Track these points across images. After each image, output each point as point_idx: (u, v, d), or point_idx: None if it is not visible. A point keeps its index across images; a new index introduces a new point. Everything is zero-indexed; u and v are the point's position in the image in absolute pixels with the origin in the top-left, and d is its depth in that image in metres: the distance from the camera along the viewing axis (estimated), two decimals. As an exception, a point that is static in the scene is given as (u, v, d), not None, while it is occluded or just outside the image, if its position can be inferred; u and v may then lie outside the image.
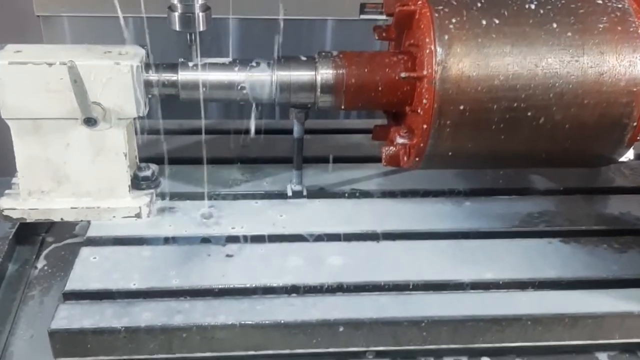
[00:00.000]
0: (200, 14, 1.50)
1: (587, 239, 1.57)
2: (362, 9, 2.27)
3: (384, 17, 1.62)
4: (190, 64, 1.54)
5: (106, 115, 1.50)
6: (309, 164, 1.79)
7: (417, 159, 1.50)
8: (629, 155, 1.56)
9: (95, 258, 1.47)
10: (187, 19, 1.50)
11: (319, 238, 1.56)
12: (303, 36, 2.28)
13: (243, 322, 1.31)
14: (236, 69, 1.54)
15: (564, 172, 1.79)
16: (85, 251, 1.49)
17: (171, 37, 1.53)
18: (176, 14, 1.50)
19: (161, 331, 1.29)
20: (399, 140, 1.51)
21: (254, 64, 1.54)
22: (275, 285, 1.40)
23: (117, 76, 1.46)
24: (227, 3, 2.01)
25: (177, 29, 1.52)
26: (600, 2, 1.47)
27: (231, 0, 1.78)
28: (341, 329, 1.33)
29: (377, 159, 1.63)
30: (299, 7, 2.20)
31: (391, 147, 1.57)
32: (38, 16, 2.15)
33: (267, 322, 1.31)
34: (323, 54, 1.54)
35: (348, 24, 2.29)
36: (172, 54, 1.56)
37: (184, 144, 1.93)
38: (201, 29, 1.52)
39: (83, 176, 1.57)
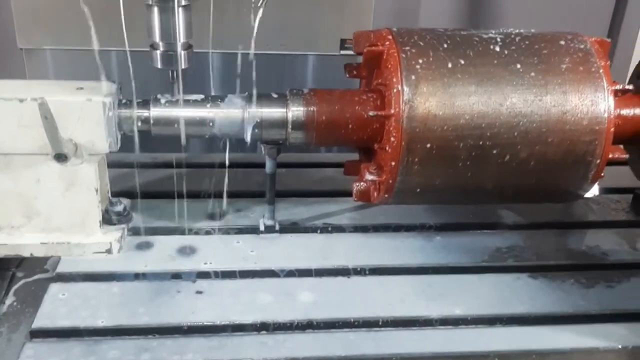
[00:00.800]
0: (182, 52, 1.52)
1: (555, 274, 1.59)
2: (343, 44, 2.31)
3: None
4: (163, 100, 1.55)
5: (77, 151, 1.50)
6: (282, 197, 1.80)
7: (386, 195, 1.52)
8: (595, 191, 1.60)
9: (64, 295, 1.46)
10: (169, 57, 1.52)
11: (291, 274, 1.56)
12: (285, 71, 2.31)
13: (211, 361, 1.30)
14: (208, 105, 1.55)
15: (533, 207, 1.82)
16: (54, 287, 1.48)
17: (154, 71, 1.55)
18: (158, 52, 1.52)
19: (128, 370, 1.28)
20: (368, 177, 1.53)
21: (225, 100, 1.56)
22: (245, 322, 1.39)
23: (88, 112, 1.47)
24: (209, 37, 2.04)
25: (159, 66, 1.53)
26: (563, 43, 1.51)
27: (211, 35, 1.79)
28: (310, 366, 1.33)
29: (350, 193, 1.65)
30: (281, 42, 2.24)
31: (362, 183, 1.59)
32: (21, 49, 2.16)
33: (234, 360, 1.31)
34: (294, 91, 1.57)
35: (329, 59, 2.33)
36: (156, 87, 1.57)
37: (157, 178, 1.93)
38: (183, 67, 1.53)
39: (54, 211, 1.57)
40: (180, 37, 1.50)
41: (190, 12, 1.50)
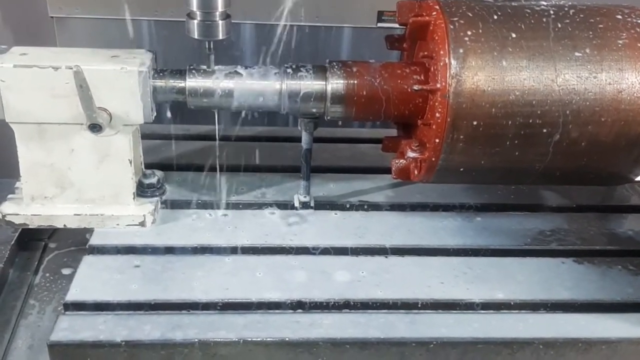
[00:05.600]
0: (220, 22, 1.46)
1: (601, 259, 1.53)
2: (380, 16, 2.23)
3: (401, 25, 1.57)
4: (199, 70, 1.51)
5: (112, 121, 1.47)
6: (317, 173, 1.75)
7: (428, 173, 1.47)
8: (645, 174, 1.52)
9: (97, 267, 1.44)
10: (207, 27, 1.46)
11: (326, 251, 1.52)
12: (319, 43, 2.25)
13: (246, 339, 1.27)
14: (246, 77, 1.50)
15: (577, 189, 1.75)
16: (87, 260, 1.46)
17: (187, 42, 1.49)
18: (195, 21, 1.46)
19: (162, 346, 1.26)
20: (410, 154, 1.47)
21: (263, 72, 1.50)
22: (280, 300, 1.36)
23: (123, 81, 1.44)
24: (242, 9, 1.97)
25: (196, 37, 1.47)
26: (620, 17, 1.43)
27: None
28: (347, 348, 1.29)
29: (386, 170, 1.60)
30: (316, 14, 2.17)
31: (401, 160, 1.53)
32: (52, 17, 2.13)
33: (270, 339, 1.28)
34: (334, 63, 1.51)
35: (365, 31, 2.25)
36: (187, 58, 1.52)
37: (191, 150, 1.89)
38: (220, 37, 1.48)
39: (87, 182, 1.54)
40: (219, 6, 1.44)
41: None
